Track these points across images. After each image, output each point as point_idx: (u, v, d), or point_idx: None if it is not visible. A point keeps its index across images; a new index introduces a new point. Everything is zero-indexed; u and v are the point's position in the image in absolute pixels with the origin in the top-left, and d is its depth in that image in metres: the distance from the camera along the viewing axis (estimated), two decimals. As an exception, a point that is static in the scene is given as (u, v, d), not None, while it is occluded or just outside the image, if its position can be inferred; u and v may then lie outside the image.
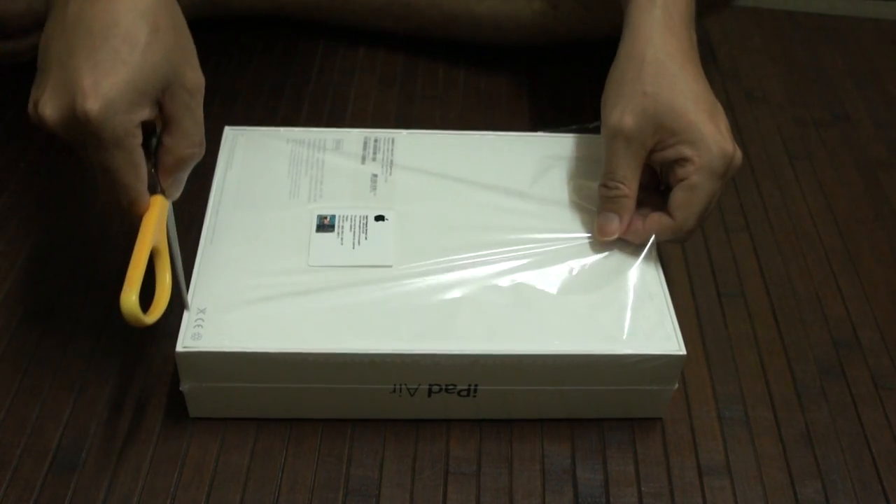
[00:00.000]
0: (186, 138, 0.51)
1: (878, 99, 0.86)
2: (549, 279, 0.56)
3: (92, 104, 0.46)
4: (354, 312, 0.54)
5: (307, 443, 0.55)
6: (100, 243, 0.66)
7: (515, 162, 0.64)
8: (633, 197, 0.57)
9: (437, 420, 0.56)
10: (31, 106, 0.49)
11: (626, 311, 0.55)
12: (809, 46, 0.93)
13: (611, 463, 0.55)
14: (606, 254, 0.58)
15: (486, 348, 0.53)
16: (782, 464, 0.56)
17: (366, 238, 0.58)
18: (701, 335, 0.63)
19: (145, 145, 0.50)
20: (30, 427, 0.55)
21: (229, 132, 0.65)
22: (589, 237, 0.59)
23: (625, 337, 0.54)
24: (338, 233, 0.58)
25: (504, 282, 0.56)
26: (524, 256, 0.58)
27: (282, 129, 0.66)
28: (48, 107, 0.47)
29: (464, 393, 0.54)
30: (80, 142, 0.48)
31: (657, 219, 0.57)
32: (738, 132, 0.80)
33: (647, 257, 0.58)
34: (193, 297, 0.54)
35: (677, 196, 0.56)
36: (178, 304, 0.53)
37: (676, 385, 0.55)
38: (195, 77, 0.51)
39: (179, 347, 0.51)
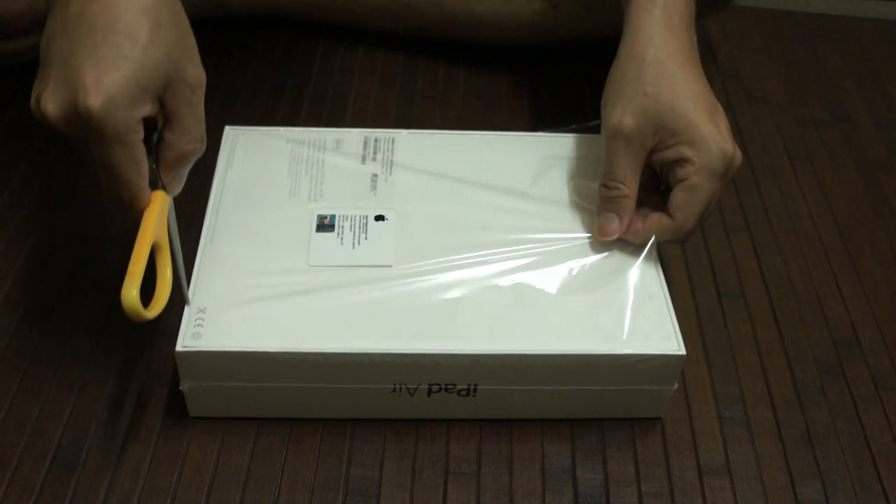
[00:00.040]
0: (187, 134, 0.51)
1: (878, 99, 0.86)
2: (549, 279, 0.56)
3: (94, 100, 0.46)
4: (354, 312, 0.54)
5: (307, 443, 0.55)
6: (100, 243, 0.66)
7: (515, 162, 0.64)
8: (633, 197, 0.57)
9: (436, 420, 0.56)
10: (33, 102, 0.49)
11: (626, 311, 0.55)
12: (809, 46, 0.93)
13: (611, 463, 0.55)
14: (606, 254, 0.58)
15: (486, 348, 0.53)
16: (782, 464, 0.56)
17: (366, 238, 0.58)
18: (701, 335, 0.63)
19: (147, 141, 0.50)
20: (30, 427, 0.55)
21: (230, 132, 0.65)
22: (589, 237, 0.59)
23: (625, 337, 0.54)
24: (338, 232, 0.58)
25: (504, 282, 0.56)
26: (524, 256, 0.58)
27: (282, 129, 0.66)
28: (50, 103, 0.47)
29: (463, 393, 0.54)
30: (81, 138, 0.48)
31: (657, 219, 0.57)
32: (738, 132, 0.80)
33: (647, 257, 0.58)
34: (193, 296, 0.54)
35: (677, 196, 0.56)
36: (178, 301, 0.53)
37: (676, 385, 0.55)
38: (197, 73, 0.51)
39: (179, 347, 0.51)
